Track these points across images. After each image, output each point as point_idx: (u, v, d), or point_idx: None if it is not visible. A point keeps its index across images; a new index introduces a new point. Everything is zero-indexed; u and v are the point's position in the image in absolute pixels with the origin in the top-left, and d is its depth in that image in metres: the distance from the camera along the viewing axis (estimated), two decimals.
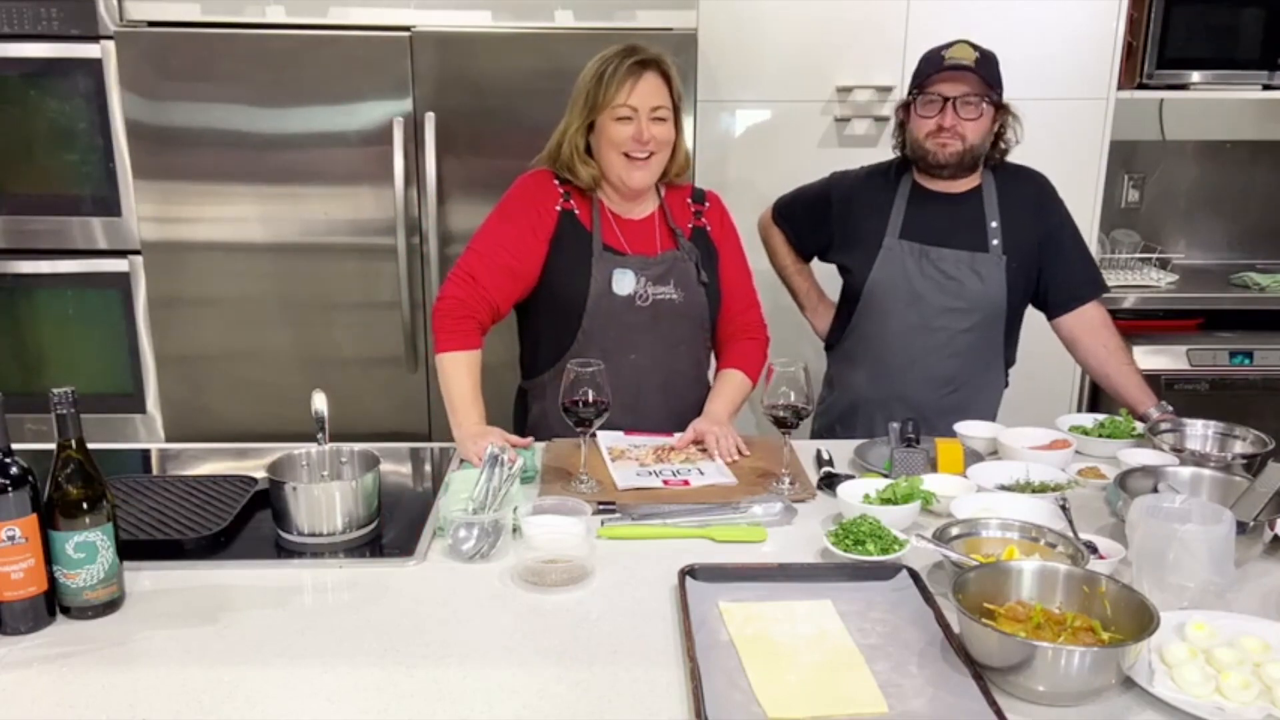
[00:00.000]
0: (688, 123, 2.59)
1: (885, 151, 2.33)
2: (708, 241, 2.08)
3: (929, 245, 2.19)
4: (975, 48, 2.11)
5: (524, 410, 2.17)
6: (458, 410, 1.89)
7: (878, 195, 2.25)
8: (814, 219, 2.34)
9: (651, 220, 2.05)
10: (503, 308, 2.01)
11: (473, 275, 1.95)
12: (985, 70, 2.09)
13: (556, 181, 2.01)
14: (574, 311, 1.98)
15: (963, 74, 2.08)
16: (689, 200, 2.10)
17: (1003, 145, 2.19)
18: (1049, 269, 2.21)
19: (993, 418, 2.24)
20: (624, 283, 1.97)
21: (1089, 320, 2.21)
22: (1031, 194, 2.23)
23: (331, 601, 1.41)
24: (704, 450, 1.90)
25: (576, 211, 2.00)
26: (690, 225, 2.07)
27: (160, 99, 2.58)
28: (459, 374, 1.91)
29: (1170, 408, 2.06)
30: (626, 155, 1.92)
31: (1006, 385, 2.33)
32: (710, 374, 2.17)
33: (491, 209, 2.03)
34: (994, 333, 2.23)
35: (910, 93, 2.18)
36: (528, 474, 1.76)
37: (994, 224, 2.18)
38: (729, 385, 2.06)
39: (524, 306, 2.07)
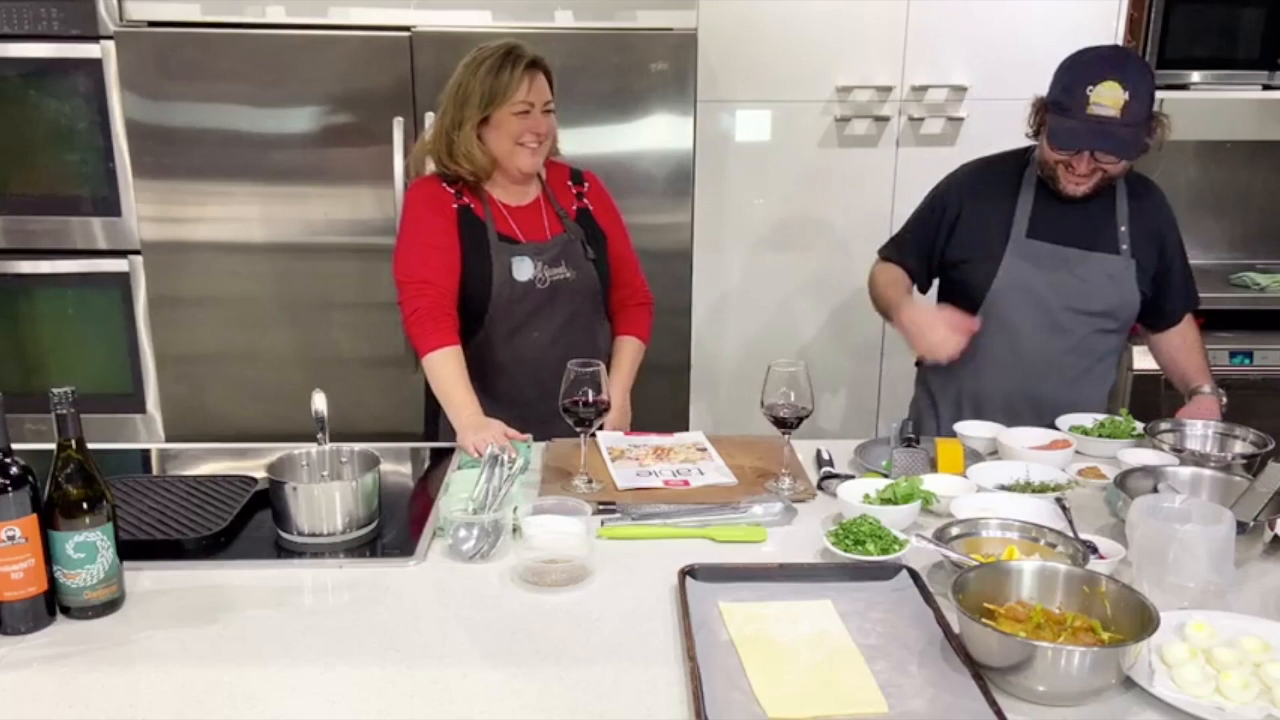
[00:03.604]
0: (688, 122, 2.65)
1: (885, 151, 2.31)
2: (591, 221, 2.18)
3: (1060, 245, 2.10)
4: (1124, 84, 1.89)
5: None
6: (454, 404, 1.93)
7: (1001, 189, 2.15)
8: (926, 228, 2.22)
9: (538, 205, 2.13)
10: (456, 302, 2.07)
11: (426, 280, 2.00)
12: (1133, 118, 1.91)
13: (445, 183, 2.07)
14: (481, 299, 2.05)
15: (1106, 125, 1.90)
16: (569, 182, 2.19)
17: (1146, 141, 1.99)
18: (1162, 280, 2.17)
19: (1102, 406, 2.18)
20: (523, 269, 2.06)
21: (1182, 330, 2.22)
22: (1158, 204, 2.18)
23: (331, 601, 1.42)
24: (704, 450, 1.91)
25: (471, 206, 2.07)
26: (574, 207, 2.17)
27: (160, 99, 2.58)
28: (448, 369, 1.96)
29: (1223, 393, 2.06)
30: (520, 144, 2.02)
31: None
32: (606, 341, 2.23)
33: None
34: (1122, 334, 2.19)
35: (1050, 98, 2.01)
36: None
37: (1123, 228, 2.12)
38: (625, 357, 2.19)
39: None
